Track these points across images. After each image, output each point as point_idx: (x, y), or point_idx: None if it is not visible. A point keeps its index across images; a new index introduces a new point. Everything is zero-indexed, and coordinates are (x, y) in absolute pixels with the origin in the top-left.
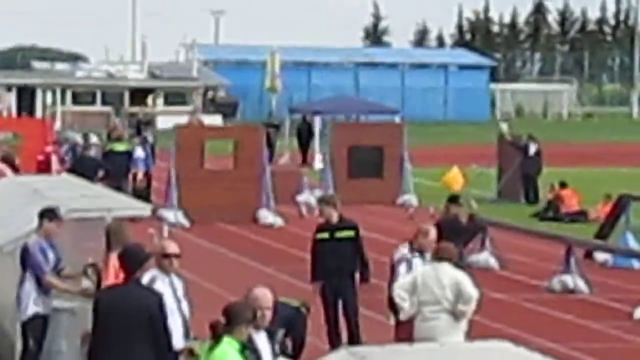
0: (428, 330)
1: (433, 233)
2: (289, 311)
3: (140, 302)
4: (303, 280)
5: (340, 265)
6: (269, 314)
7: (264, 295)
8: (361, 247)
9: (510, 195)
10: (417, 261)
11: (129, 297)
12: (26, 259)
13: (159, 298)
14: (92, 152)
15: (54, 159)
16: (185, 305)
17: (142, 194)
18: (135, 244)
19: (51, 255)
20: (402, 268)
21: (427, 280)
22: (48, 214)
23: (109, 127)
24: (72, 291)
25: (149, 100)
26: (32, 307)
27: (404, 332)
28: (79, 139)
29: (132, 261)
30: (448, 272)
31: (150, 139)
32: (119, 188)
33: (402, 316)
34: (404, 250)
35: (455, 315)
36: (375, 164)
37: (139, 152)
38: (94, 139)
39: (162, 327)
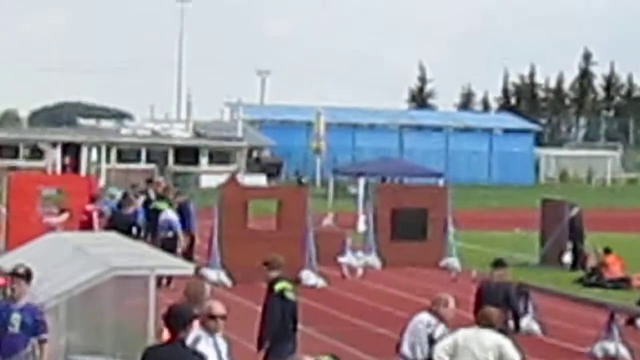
0: None
1: (452, 303)
2: None
3: None
4: (343, 341)
5: None
6: None
7: None
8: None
9: (554, 260)
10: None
11: (173, 357)
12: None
13: (201, 359)
14: (130, 210)
15: (95, 216)
16: None
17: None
18: (181, 304)
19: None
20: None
21: (469, 343)
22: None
23: (154, 186)
24: None
25: None
26: None
27: None
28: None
29: (177, 321)
30: (490, 335)
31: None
32: (163, 246)
33: None
34: (441, 327)
35: None
36: (418, 226)
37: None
38: (141, 198)
39: None
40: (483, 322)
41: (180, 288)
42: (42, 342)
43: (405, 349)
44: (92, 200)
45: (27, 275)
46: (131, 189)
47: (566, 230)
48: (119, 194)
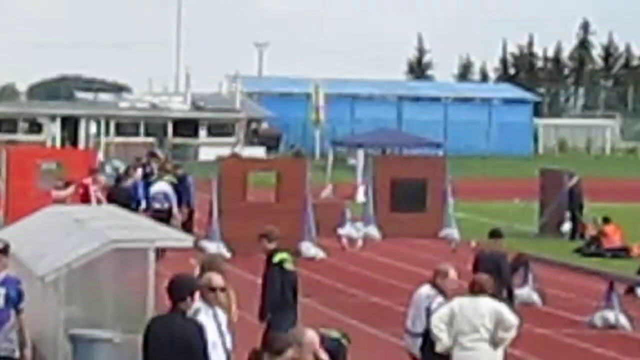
0: (468, 359)
1: (452, 273)
2: (330, 343)
3: (181, 332)
4: (343, 312)
5: None
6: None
7: (311, 340)
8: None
9: (553, 230)
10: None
11: (171, 327)
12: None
13: (199, 328)
14: (128, 183)
15: (91, 189)
16: (228, 338)
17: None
18: (184, 275)
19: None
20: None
21: (465, 310)
22: None
23: (156, 159)
24: None
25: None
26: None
27: None
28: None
29: (178, 292)
30: (486, 302)
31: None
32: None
33: (439, 347)
34: (439, 298)
35: (495, 344)
36: (417, 197)
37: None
38: (139, 171)
39: (201, 357)
40: (475, 289)
41: (180, 261)
42: (20, 311)
43: (409, 322)
44: (90, 173)
45: (5, 249)
46: (136, 162)
47: (565, 199)
48: (122, 167)
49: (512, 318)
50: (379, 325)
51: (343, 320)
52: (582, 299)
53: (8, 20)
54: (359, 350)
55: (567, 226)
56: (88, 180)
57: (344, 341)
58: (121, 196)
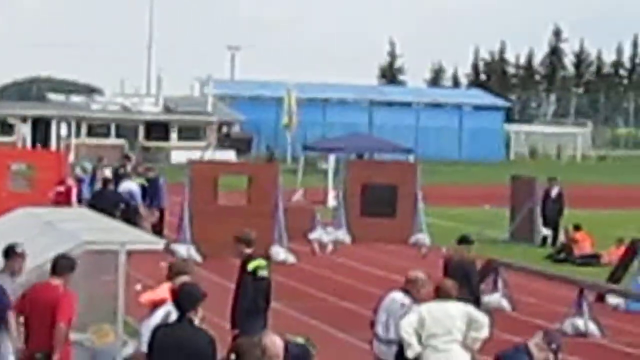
0: None
1: (429, 285)
2: (297, 349)
3: (192, 341)
4: (313, 317)
5: None
6: None
7: (273, 344)
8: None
9: (523, 236)
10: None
11: (182, 336)
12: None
13: (211, 339)
14: (112, 186)
15: (73, 192)
16: None
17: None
18: (192, 283)
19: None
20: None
21: (435, 313)
22: (7, 251)
23: (130, 161)
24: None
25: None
26: None
27: None
28: (107, 173)
29: (188, 300)
30: (454, 305)
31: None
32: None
33: (411, 353)
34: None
35: (467, 345)
36: (388, 202)
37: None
38: (106, 172)
39: None
40: (442, 295)
41: (149, 264)
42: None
43: (379, 328)
44: (74, 177)
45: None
46: (98, 162)
47: (537, 206)
48: (90, 168)
49: (482, 317)
50: (348, 330)
51: (313, 324)
52: (552, 305)
53: None
54: (328, 354)
55: (545, 231)
56: (71, 182)
57: (309, 347)
58: (107, 200)
